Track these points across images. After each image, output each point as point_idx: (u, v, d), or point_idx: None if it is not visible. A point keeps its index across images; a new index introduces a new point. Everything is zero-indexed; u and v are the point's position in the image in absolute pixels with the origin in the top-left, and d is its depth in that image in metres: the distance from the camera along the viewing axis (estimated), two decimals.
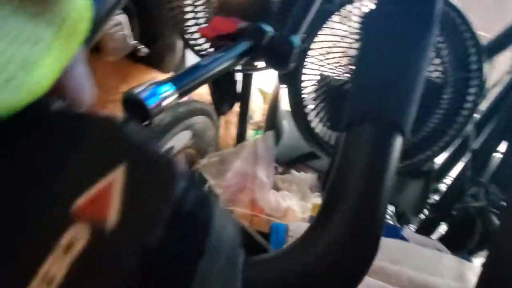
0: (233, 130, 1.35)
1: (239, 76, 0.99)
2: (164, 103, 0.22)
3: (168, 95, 0.22)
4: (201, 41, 0.66)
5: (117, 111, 1.33)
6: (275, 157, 0.97)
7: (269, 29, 0.34)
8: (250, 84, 0.96)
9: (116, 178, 0.12)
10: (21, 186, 0.12)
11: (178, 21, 0.59)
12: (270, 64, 0.33)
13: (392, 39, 0.26)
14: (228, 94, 1.02)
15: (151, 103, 0.21)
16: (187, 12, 0.58)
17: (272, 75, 0.97)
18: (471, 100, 0.80)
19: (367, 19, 0.47)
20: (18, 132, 0.13)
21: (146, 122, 0.21)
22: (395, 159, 0.20)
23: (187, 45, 0.65)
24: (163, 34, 1.02)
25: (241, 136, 1.14)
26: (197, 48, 0.66)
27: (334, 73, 0.76)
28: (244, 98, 0.99)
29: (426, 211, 0.92)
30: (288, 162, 1.07)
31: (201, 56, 0.70)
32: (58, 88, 0.17)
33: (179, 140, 0.71)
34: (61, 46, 0.15)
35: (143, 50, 0.74)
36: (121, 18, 0.71)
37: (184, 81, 0.25)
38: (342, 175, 0.20)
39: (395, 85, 0.22)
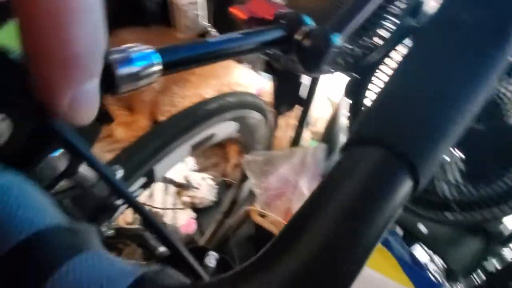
0: (292, 134, 1.31)
1: (306, 79, 0.95)
2: (141, 73, 0.19)
3: (148, 66, 0.19)
4: None
5: (189, 90, 1.37)
6: (322, 171, 0.91)
7: (309, 21, 0.29)
8: (314, 89, 0.91)
9: None
10: None
11: None
12: (300, 61, 0.28)
13: (445, 55, 0.20)
14: (290, 94, 0.98)
15: (121, 69, 0.18)
16: None
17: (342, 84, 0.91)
18: None
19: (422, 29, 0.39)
20: None
21: (110, 91, 0.18)
22: (393, 200, 0.15)
23: None
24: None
25: (295, 141, 1.10)
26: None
27: None
28: (306, 102, 0.94)
29: (481, 276, 0.79)
30: None
31: (267, 54, 0.67)
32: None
33: (222, 129, 0.68)
34: None
35: (213, 33, 0.73)
36: None
37: (177, 56, 0.21)
38: (314, 202, 0.16)
39: (427, 112, 0.17)
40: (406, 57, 0.21)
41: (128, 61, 0.19)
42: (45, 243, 0.14)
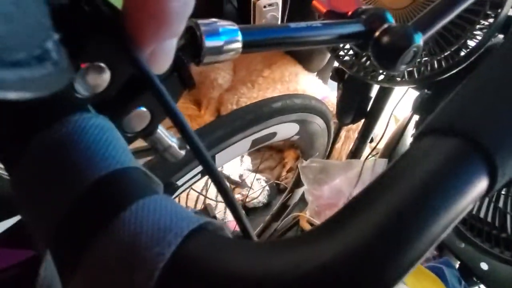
0: (349, 146, 1.28)
1: (375, 93, 0.92)
2: (225, 47, 0.21)
3: (231, 42, 0.21)
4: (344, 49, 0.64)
5: (255, 92, 1.40)
6: None
7: (391, 18, 0.28)
8: (383, 103, 0.89)
9: None
10: None
11: None
12: (376, 57, 0.28)
13: None
14: (356, 106, 0.96)
15: (209, 40, 0.20)
16: None
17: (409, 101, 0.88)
18: None
19: None
20: None
21: (196, 59, 0.20)
22: (466, 194, 0.14)
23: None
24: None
25: (354, 155, 1.07)
26: (338, 52, 0.64)
27: None
28: (371, 116, 0.92)
29: None
30: None
31: (340, 60, 0.67)
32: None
33: (284, 130, 0.69)
34: None
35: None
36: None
37: (257, 36, 0.23)
38: (382, 186, 0.16)
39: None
40: (489, 58, 0.20)
41: (215, 34, 0.20)
42: (128, 178, 0.16)
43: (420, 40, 0.27)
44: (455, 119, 0.17)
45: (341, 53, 0.68)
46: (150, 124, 0.21)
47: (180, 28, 0.17)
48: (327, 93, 1.41)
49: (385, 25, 0.27)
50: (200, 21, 0.20)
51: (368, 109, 0.93)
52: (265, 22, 0.73)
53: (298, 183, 1.01)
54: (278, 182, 1.29)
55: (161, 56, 0.17)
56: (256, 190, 1.25)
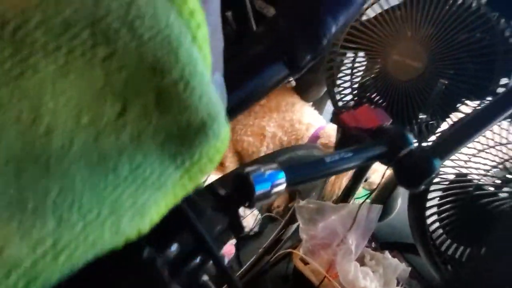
0: (343, 181, 1.30)
1: None
2: (272, 191, 0.22)
3: (277, 184, 0.22)
4: (342, 94, 0.66)
5: (251, 120, 1.40)
6: (372, 232, 0.90)
7: (411, 140, 0.31)
8: None
9: None
10: None
11: (330, 71, 0.60)
12: (399, 179, 0.30)
13: None
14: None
15: (259, 189, 0.21)
16: (343, 70, 0.58)
17: None
18: None
19: None
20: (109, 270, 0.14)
21: (247, 205, 0.21)
22: None
23: (328, 92, 0.65)
24: (315, 67, 1.04)
25: (349, 191, 1.09)
26: (337, 98, 0.66)
27: (475, 179, 0.67)
28: None
29: None
30: (385, 243, 0.98)
31: (337, 106, 0.69)
32: None
33: None
34: (182, 186, 0.15)
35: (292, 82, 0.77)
36: None
37: (299, 174, 0.24)
38: None
39: None
40: None
41: (263, 180, 0.21)
42: None
43: (439, 166, 0.29)
44: None
45: (339, 98, 0.70)
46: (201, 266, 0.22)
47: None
48: (322, 123, 1.43)
49: (407, 149, 0.29)
50: (249, 169, 0.22)
51: None
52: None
53: (292, 220, 1.03)
54: (271, 214, 1.31)
55: None
56: (249, 219, 1.26)
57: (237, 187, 0.22)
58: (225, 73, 0.19)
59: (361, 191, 1.35)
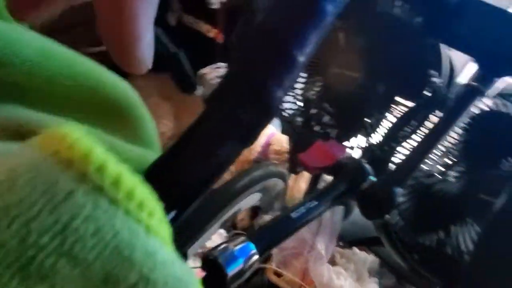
0: (302, 184, 1.31)
1: None
2: (246, 266, 0.20)
3: (250, 257, 0.21)
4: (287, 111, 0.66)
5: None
6: (339, 232, 0.92)
7: (369, 171, 0.31)
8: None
9: None
10: None
11: None
12: (363, 212, 0.30)
13: None
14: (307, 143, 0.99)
15: (231, 269, 0.19)
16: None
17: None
18: None
19: None
20: None
21: None
22: None
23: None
24: None
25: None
26: (284, 114, 0.66)
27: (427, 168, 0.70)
28: None
29: None
30: (351, 241, 1.00)
31: (286, 120, 0.69)
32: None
33: (247, 202, 0.69)
34: None
35: None
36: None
37: (269, 240, 0.23)
38: None
39: None
40: None
41: (233, 259, 0.20)
42: None
43: (399, 193, 0.30)
44: None
45: (284, 114, 0.70)
46: None
47: None
48: (272, 130, 1.44)
49: (368, 181, 0.29)
50: (216, 252, 0.20)
51: None
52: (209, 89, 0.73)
53: None
54: (237, 232, 1.29)
55: None
56: (216, 239, 1.23)
57: (209, 273, 0.20)
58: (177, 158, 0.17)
59: None
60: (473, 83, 0.35)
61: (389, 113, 0.61)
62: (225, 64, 0.76)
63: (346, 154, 0.33)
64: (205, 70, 0.70)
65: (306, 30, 0.17)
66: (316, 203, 0.27)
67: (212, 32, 1.27)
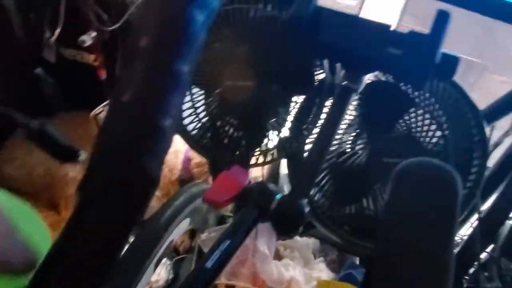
0: None
1: None
2: None
3: None
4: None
5: None
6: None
7: (275, 191, 0.32)
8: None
9: None
10: None
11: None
12: (278, 231, 0.31)
13: None
14: (224, 161, 1.00)
15: None
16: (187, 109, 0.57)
17: None
18: (476, 171, 0.78)
19: None
20: None
21: None
22: None
23: (182, 134, 0.64)
24: None
25: None
26: (190, 135, 0.65)
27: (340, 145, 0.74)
28: None
29: None
30: None
31: (194, 141, 0.68)
32: None
33: (178, 232, 0.67)
34: None
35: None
36: None
37: None
38: None
39: None
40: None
41: None
42: None
43: (306, 204, 0.31)
44: None
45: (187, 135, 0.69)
46: None
47: None
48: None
49: (274, 202, 0.30)
50: None
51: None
52: None
53: (201, 255, 1.00)
54: (180, 256, 1.25)
55: None
56: (160, 270, 1.18)
57: None
58: None
59: None
60: (345, 84, 0.38)
61: (289, 109, 0.64)
62: None
63: (249, 179, 0.34)
64: (98, 110, 0.66)
65: (165, 97, 0.16)
66: (229, 241, 0.27)
67: (98, 60, 1.19)
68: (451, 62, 0.36)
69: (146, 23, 0.19)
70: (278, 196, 0.32)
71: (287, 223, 0.30)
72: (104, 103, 0.68)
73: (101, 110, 0.66)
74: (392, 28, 0.38)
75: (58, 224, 1.28)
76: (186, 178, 1.33)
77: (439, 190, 0.25)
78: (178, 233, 0.68)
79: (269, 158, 0.63)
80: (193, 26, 0.17)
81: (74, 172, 1.28)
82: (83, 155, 0.63)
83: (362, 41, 0.36)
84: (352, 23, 0.37)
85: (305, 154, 0.70)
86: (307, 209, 0.31)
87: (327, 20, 0.37)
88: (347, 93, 0.37)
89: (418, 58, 0.35)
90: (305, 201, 0.31)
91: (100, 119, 0.65)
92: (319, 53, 0.42)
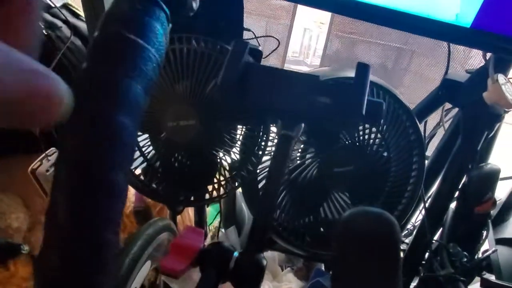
0: (190, 213, 1.29)
1: None
2: None
3: None
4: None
5: None
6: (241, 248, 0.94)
7: (231, 249, 0.32)
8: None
9: None
10: None
11: None
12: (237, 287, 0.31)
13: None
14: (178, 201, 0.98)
15: None
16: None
17: None
18: (416, 167, 0.83)
19: None
20: None
21: None
22: None
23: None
24: None
25: (201, 221, 1.10)
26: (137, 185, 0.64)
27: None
28: None
29: None
30: None
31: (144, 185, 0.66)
32: None
33: (141, 275, 0.65)
34: None
35: None
36: None
37: None
38: None
39: None
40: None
41: None
42: None
43: (264, 259, 0.31)
44: None
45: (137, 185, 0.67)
46: None
47: None
48: None
49: (232, 260, 0.30)
50: None
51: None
52: None
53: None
54: None
55: None
56: None
57: None
58: None
59: (208, 213, 1.38)
60: (284, 132, 0.39)
61: (236, 137, 0.65)
62: (53, 149, 0.68)
63: (204, 241, 0.34)
64: (35, 165, 0.62)
65: (109, 154, 0.16)
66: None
67: None
68: (377, 107, 0.39)
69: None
70: (235, 254, 0.32)
71: (248, 281, 0.30)
72: (41, 156, 0.63)
73: (38, 164, 0.62)
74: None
75: (9, 279, 1.19)
76: (141, 209, 1.29)
77: (382, 242, 0.27)
78: (140, 279, 0.66)
79: (222, 191, 0.63)
80: (120, 134, 0.17)
81: (18, 221, 1.19)
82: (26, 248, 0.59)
83: (292, 94, 0.37)
84: (280, 77, 0.38)
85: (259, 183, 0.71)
86: (265, 263, 0.32)
87: (255, 78, 0.38)
88: (286, 140, 0.38)
89: (347, 106, 0.37)
90: (262, 255, 0.32)
91: (39, 174, 0.61)
92: (250, 114, 0.42)
